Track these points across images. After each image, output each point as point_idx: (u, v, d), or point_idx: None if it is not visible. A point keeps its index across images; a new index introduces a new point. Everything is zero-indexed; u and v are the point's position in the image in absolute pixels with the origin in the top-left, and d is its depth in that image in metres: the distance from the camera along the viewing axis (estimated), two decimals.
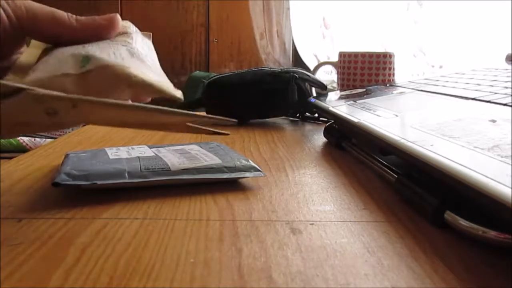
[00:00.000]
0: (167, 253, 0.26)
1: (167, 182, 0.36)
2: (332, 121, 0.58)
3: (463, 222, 0.27)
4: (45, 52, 0.32)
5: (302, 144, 0.58)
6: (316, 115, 0.76)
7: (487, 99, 0.47)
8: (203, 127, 0.33)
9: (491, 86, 0.55)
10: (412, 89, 0.62)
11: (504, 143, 0.31)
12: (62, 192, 0.36)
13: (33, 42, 0.33)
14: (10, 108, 0.25)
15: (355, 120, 0.47)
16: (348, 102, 0.60)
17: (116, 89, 0.30)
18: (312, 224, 0.30)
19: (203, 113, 0.33)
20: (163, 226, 0.30)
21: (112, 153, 0.41)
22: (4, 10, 0.29)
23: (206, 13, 1.55)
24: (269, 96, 0.72)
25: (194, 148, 0.43)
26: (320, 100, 0.65)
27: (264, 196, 0.36)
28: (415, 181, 0.34)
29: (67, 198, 0.35)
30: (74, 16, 0.32)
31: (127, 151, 0.42)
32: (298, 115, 0.78)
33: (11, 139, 1.20)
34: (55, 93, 0.26)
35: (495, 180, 0.24)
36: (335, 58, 1.01)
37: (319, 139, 0.61)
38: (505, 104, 0.43)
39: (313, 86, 0.77)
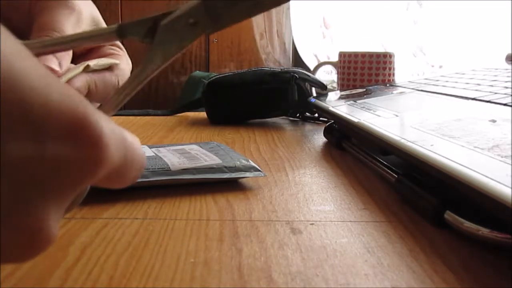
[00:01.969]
0: (167, 253, 0.26)
1: (167, 182, 0.36)
2: (332, 121, 0.58)
3: (463, 222, 0.27)
4: None
5: (302, 144, 0.58)
6: (316, 115, 0.76)
7: (487, 99, 0.47)
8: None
9: (491, 86, 0.55)
10: (412, 89, 0.62)
11: (504, 143, 0.31)
12: None
13: None
14: None
15: (355, 120, 0.47)
16: (348, 102, 0.60)
17: None
18: (312, 224, 0.30)
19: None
20: (163, 226, 0.30)
21: None
22: None
23: None
24: (269, 96, 0.72)
25: (194, 148, 0.43)
26: (320, 100, 0.65)
27: (264, 196, 0.36)
28: (415, 181, 0.34)
29: None
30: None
31: None
32: (298, 115, 0.78)
33: None
34: None
35: (495, 180, 0.24)
36: (335, 58, 1.01)
37: (319, 139, 0.61)
38: (505, 104, 0.43)
39: (313, 86, 0.76)
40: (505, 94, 0.48)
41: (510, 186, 0.23)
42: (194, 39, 0.20)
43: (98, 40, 0.23)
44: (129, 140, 0.16)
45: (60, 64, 0.30)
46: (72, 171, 0.13)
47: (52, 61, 0.29)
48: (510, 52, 0.78)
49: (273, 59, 1.60)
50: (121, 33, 0.21)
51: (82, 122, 0.13)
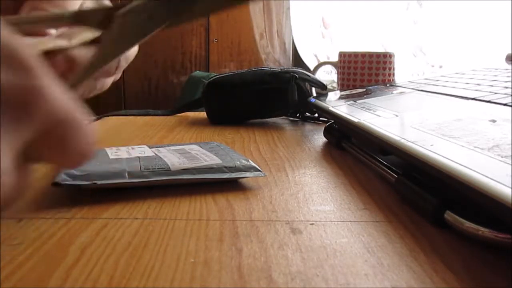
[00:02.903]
0: (167, 253, 0.26)
1: (167, 182, 0.36)
2: (332, 121, 0.58)
3: (463, 222, 0.27)
4: None
5: (302, 144, 0.58)
6: (316, 115, 0.76)
7: (487, 99, 0.47)
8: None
9: (491, 86, 0.55)
10: (412, 89, 0.62)
11: (504, 143, 0.31)
12: (62, 192, 0.35)
13: None
14: None
15: (355, 120, 0.47)
16: (348, 102, 0.60)
17: None
18: (312, 224, 0.30)
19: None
20: (163, 226, 0.30)
21: (112, 153, 0.41)
22: None
23: None
24: (269, 96, 0.73)
25: (194, 148, 0.43)
26: (320, 100, 0.65)
27: (264, 196, 0.36)
28: (415, 181, 0.34)
29: (67, 198, 0.35)
30: None
31: (127, 151, 0.42)
32: (298, 115, 0.78)
33: None
34: None
35: (495, 180, 0.24)
36: (335, 58, 1.01)
37: (319, 139, 0.61)
38: (505, 104, 0.43)
39: (313, 86, 0.76)
40: (505, 94, 0.48)
41: (510, 186, 0.23)
42: (148, 33, 0.19)
43: (55, 24, 0.22)
44: (74, 108, 0.15)
45: None
46: (6, 96, 0.13)
47: None
48: (510, 52, 0.78)
49: (273, 59, 1.60)
50: (78, 19, 0.21)
51: (9, 48, 0.13)
